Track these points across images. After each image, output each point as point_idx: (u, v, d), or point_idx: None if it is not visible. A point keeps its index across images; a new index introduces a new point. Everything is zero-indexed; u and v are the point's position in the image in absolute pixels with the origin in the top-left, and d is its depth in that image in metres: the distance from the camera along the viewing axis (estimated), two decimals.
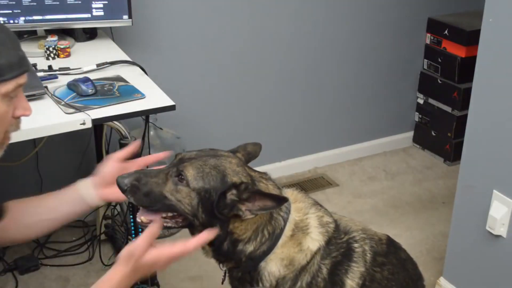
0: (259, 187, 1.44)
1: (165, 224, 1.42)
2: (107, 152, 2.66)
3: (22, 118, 1.37)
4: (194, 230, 1.44)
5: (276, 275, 1.47)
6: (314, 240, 1.49)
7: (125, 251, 1.32)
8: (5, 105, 1.29)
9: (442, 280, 2.42)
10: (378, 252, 1.59)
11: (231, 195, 1.38)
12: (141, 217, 1.42)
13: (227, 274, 1.57)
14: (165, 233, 2.79)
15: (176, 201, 1.39)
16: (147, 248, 1.32)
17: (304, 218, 1.51)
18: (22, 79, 1.30)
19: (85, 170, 2.76)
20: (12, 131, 1.35)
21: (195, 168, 1.39)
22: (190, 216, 1.40)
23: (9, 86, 1.27)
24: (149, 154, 2.52)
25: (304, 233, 1.49)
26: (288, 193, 1.55)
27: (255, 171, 1.49)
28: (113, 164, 1.56)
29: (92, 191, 1.56)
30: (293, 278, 1.47)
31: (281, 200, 1.40)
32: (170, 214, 1.42)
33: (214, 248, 1.46)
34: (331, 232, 1.52)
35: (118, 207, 2.68)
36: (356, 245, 1.55)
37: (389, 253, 1.62)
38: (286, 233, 1.47)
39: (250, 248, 1.45)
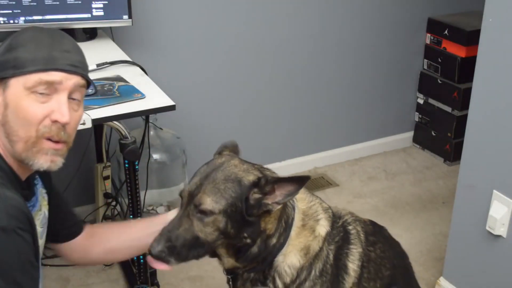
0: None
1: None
2: (107, 152, 2.66)
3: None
4: (218, 250, 1.42)
5: (297, 266, 1.46)
6: (323, 226, 1.51)
7: None
8: (33, 101, 1.29)
9: (442, 280, 2.42)
10: (368, 232, 1.61)
11: (254, 195, 1.36)
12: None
13: (231, 280, 1.54)
14: None
15: (205, 237, 1.36)
16: None
17: (311, 205, 1.52)
18: (48, 76, 1.29)
19: (85, 170, 2.76)
20: (47, 134, 1.31)
21: (210, 193, 1.35)
22: (216, 242, 1.37)
23: (32, 79, 1.28)
24: (149, 154, 2.52)
25: (315, 220, 1.50)
26: None
27: (253, 163, 1.47)
28: None
29: None
30: (308, 266, 1.47)
31: (303, 179, 1.36)
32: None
33: (241, 255, 1.42)
34: (332, 217, 1.54)
35: (118, 207, 2.68)
36: (350, 227, 1.57)
37: (376, 232, 1.65)
38: (297, 223, 1.47)
39: (274, 241, 1.43)
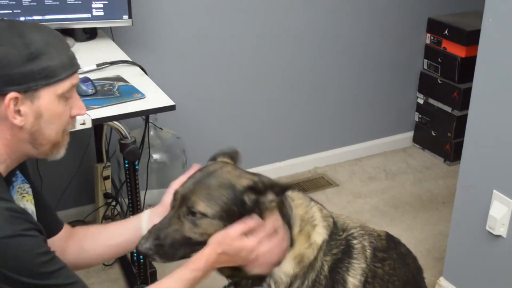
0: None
1: None
2: (107, 152, 2.66)
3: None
4: None
5: (291, 274, 1.45)
6: (319, 234, 1.49)
7: (219, 235, 1.35)
8: (62, 105, 1.34)
9: (442, 280, 2.42)
10: (378, 247, 1.58)
11: (249, 196, 1.38)
12: None
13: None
14: None
15: (200, 236, 1.37)
16: (239, 236, 1.36)
17: (308, 209, 1.52)
18: (75, 79, 1.35)
19: (85, 170, 2.77)
20: (69, 130, 1.40)
21: (204, 199, 1.36)
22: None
23: (64, 85, 1.32)
24: (149, 154, 2.52)
25: (312, 225, 1.49)
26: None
27: (246, 170, 1.48)
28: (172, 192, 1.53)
29: (150, 220, 1.53)
30: (302, 275, 1.46)
31: (285, 186, 1.42)
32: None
33: None
34: (332, 226, 1.52)
35: (118, 207, 2.68)
36: (355, 241, 1.54)
37: (389, 248, 1.62)
38: (295, 229, 1.47)
39: None
